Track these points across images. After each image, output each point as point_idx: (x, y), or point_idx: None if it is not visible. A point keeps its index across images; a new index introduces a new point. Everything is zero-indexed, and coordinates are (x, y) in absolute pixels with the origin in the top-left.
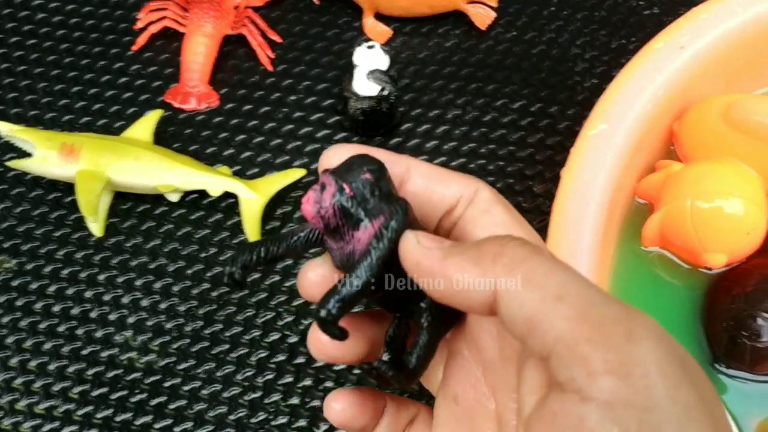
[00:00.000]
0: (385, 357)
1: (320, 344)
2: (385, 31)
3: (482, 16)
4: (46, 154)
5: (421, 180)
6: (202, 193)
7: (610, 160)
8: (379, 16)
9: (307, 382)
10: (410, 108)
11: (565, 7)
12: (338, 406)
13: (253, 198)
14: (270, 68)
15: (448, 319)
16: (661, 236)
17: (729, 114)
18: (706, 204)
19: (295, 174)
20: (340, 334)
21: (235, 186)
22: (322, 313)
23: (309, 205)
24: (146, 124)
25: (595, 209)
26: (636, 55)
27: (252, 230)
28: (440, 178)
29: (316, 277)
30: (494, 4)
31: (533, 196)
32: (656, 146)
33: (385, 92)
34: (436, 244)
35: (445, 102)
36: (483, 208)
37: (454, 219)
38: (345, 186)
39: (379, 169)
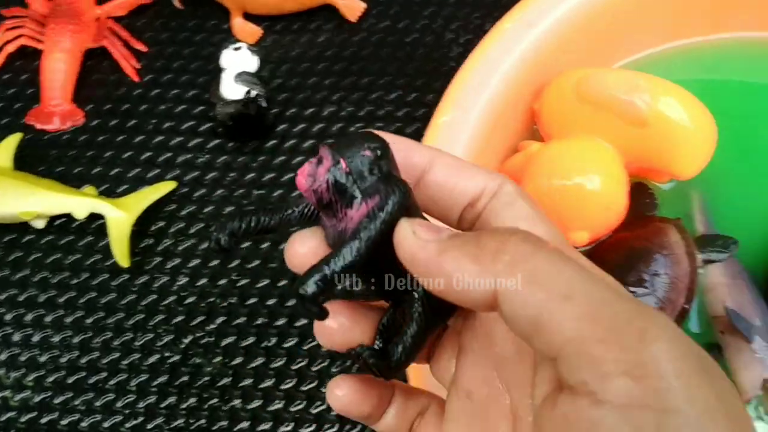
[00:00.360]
0: (376, 345)
1: (326, 331)
2: (254, 31)
3: (352, 8)
4: None
5: (444, 170)
6: (71, 217)
7: (462, 146)
8: (249, 16)
9: (192, 401)
10: (285, 108)
11: None
12: (341, 392)
13: (120, 216)
14: (136, 79)
15: (445, 310)
16: None
17: (580, 89)
18: (563, 182)
19: (165, 187)
20: (319, 313)
21: (100, 206)
22: (301, 290)
23: (303, 177)
24: (5, 150)
25: None
26: (484, 38)
27: (121, 250)
28: (464, 169)
29: (305, 249)
30: None
31: None
32: (517, 127)
33: (252, 94)
34: (433, 236)
35: (320, 99)
36: (506, 201)
37: (476, 211)
38: (342, 161)
39: (382, 148)
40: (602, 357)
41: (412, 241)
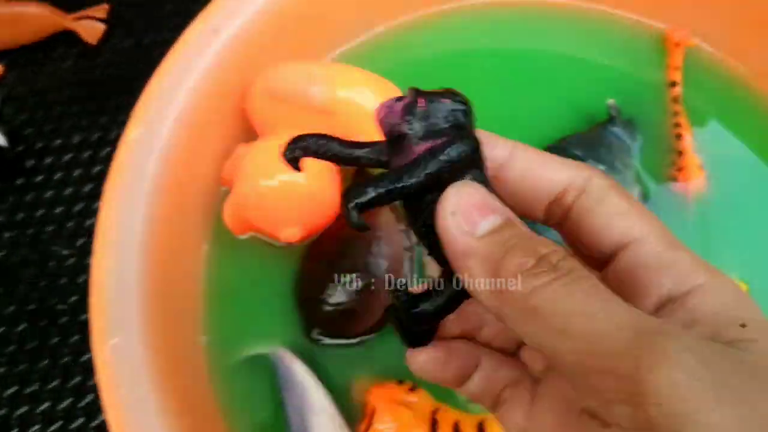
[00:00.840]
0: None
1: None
2: None
3: (91, 30)
4: None
5: (526, 163)
6: None
7: (155, 160)
8: None
9: None
10: (32, 143)
11: (179, 5)
12: (421, 358)
13: None
14: None
15: None
16: (242, 221)
17: (267, 87)
18: (267, 181)
19: None
20: (360, 225)
21: None
22: (351, 201)
23: (380, 108)
24: None
25: (144, 220)
26: (171, 48)
27: None
28: (548, 162)
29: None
30: (103, 16)
31: None
32: (228, 130)
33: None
34: (468, 227)
35: (69, 128)
36: (597, 197)
37: (564, 207)
38: (421, 99)
39: (463, 103)
40: (601, 387)
41: (450, 221)
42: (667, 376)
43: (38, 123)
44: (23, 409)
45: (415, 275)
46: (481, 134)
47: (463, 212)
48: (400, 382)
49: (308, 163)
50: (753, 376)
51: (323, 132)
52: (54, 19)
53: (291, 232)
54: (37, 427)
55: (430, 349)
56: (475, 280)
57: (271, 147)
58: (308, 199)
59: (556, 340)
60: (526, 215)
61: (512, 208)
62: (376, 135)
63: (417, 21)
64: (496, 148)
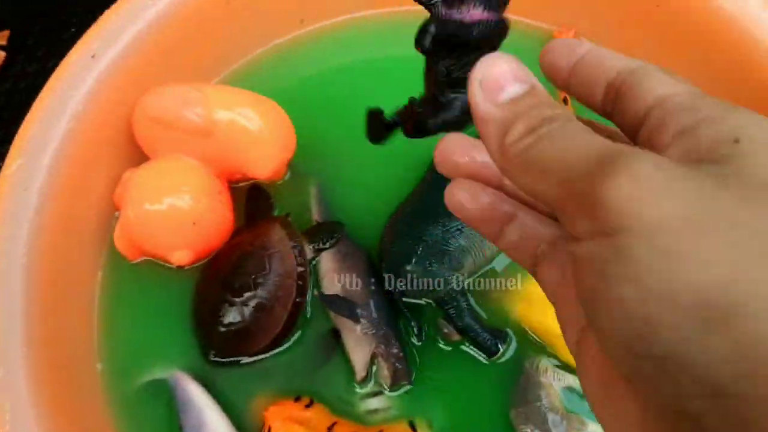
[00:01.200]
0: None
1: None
2: None
3: None
4: None
5: (592, 53)
6: None
7: (37, 190)
8: None
9: None
10: None
11: (81, 26)
12: (461, 195)
13: None
14: None
15: None
16: (133, 245)
17: (145, 111)
18: (152, 206)
19: None
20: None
21: None
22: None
23: None
24: None
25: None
26: (52, 76)
27: None
28: (608, 54)
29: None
30: (3, 42)
31: None
32: (123, 156)
33: None
34: (491, 95)
35: None
36: (644, 73)
37: (616, 89)
38: None
39: None
40: (568, 208)
41: (475, 87)
42: (618, 183)
43: None
44: None
45: (312, 290)
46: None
47: (489, 80)
48: (297, 398)
49: (193, 184)
50: (724, 186)
51: (207, 152)
52: None
53: (181, 255)
54: None
55: (465, 182)
56: (489, 142)
57: (156, 170)
58: (196, 222)
59: (541, 183)
60: (588, 103)
61: (580, 99)
62: (254, 153)
63: (301, 37)
64: (578, 48)
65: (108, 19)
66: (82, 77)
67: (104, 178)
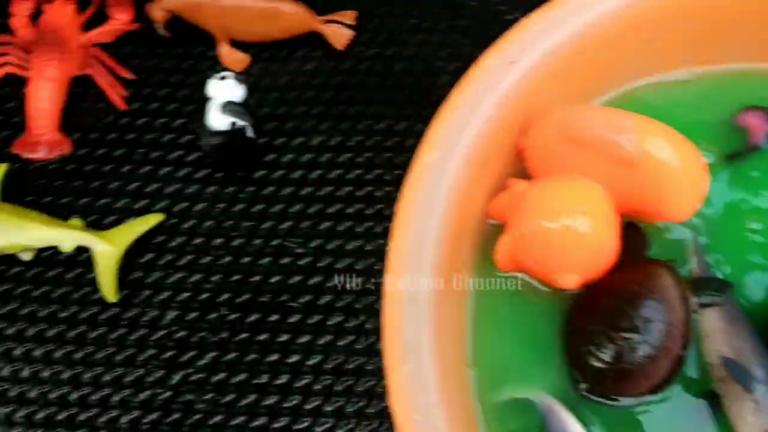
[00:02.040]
0: None
1: None
2: (241, 59)
3: (339, 35)
4: None
5: None
6: (58, 249)
7: (446, 188)
8: (235, 44)
9: None
10: (273, 138)
11: (427, 18)
12: None
13: (107, 250)
14: (123, 107)
15: None
16: (514, 259)
17: (564, 129)
18: (551, 224)
19: (152, 219)
20: None
21: (87, 239)
22: None
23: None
24: None
25: (434, 245)
26: (466, 75)
27: (108, 284)
28: None
29: None
30: (351, 22)
31: None
32: (505, 164)
33: (238, 125)
34: None
35: (309, 128)
36: None
37: None
38: None
39: None
40: None
41: None
42: None
43: (279, 119)
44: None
45: (691, 349)
46: None
47: None
48: None
49: (595, 209)
50: None
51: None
52: (306, 20)
53: (569, 279)
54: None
55: None
56: None
57: (559, 188)
58: (591, 247)
59: None
60: None
61: None
62: (676, 193)
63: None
64: None
65: (525, 28)
66: (498, 80)
67: (488, 184)
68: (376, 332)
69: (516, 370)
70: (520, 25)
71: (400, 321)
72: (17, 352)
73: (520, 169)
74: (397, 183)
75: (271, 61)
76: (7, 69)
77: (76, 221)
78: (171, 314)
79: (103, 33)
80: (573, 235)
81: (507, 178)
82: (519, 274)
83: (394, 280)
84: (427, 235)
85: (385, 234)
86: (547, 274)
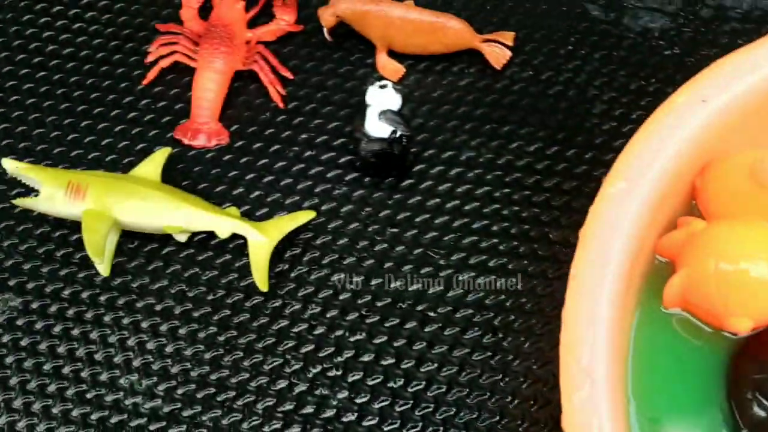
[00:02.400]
0: None
1: None
2: (398, 69)
3: (498, 55)
4: (53, 193)
5: None
6: (211, 234)
7: (629, 220)
8: (392, 53)
9: None
10: (423, 149)
11: (583, 46)
12: None
13: (261, 241)
14: (281, 105)
15: None
16: (683, 298)
17: (755, 172)
18: (730, 266)
19: (304, 216)
20: None
21: (244, 228)
22: None
23: None
24: (154, 163)
25: (615, 273)
26: (656, 111)
27: (260, 274)
28: None
29: None
30: (510, 43)
31: (549, 243)
32: (678, 202)
33: (398, 134)
34: None
35: (460, 143)
36: None
37: None
38: None
39: None
40: None
41: None
42: None
43: (430, 131)
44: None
45: None
46: None
47: None
48: None
49: None
50: None
51: None
52: (468, 37)
53: (743, 323)
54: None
55: None
56: None
57: (740, 230)
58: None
59: None
60: None
61: None
62: None
63: None
64: None
65: (720, 69)
66: (688, 118)
67: (663, 220)
68: (514, 351)
69: (674, 408)
70: (715, 65)
71: (578, 346)
72: (163, 328)
73: (689, 206)
74: (545, 206)
75: (426, 73)
76: (176, 57)
77: (232, 210)
78: (312, 309)
79: (268, 32)
80: (752, 280)
81: (678, 215)
82: (685, 313)
83: (574, 306)
84: (609, 264)
85: (529, 255)
86: (717, 316)
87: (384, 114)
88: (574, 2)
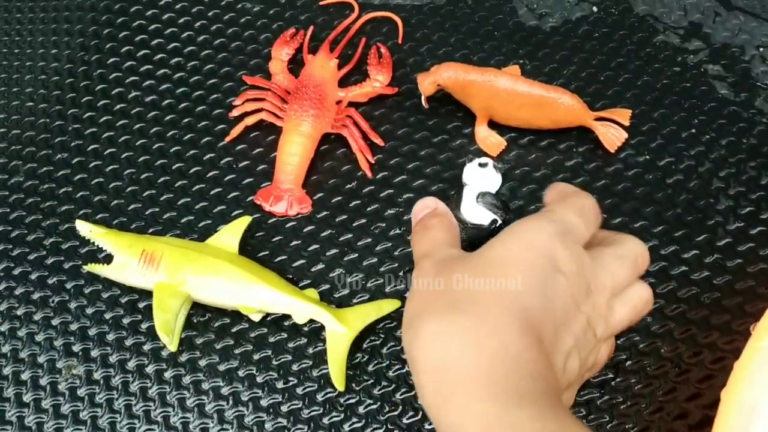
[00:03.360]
0: None
1: None
2: (499, 143)
3: (612, 136)
4: (127, 262)
5: None
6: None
7: None
8: (492, 124)
9: None
10: None
11: (708, 129)
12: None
13: (341, 332)
14: (369, 175)
15: None
16: None
17: None
18: None
19: (389, 306)
20: None
21: (323, 315)
22: None
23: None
24: (233, 232)
25: None
26: None
27: (337, 367)
28: None
29: None
30: (626, 122)
31: (659, 359)
32: None
33: (498, 223)
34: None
35: None
36: None
37: None
38: None
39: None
40: None
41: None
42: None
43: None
44: None
45: None
46: None
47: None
48: None
49: None
50: None
51: None
52: (580, 115)
53: None
54: None
55: None
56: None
57: None
58: None
59: None
60: None
61: None
62: None
63: None
64: None
65: None
66: None
67: None
68: None
69: None
70: None
71: None
72: (228, 414)
73: None
74: (658, 315)
75: (528, 149)
76: (262, 115)
77: (311, 292)
78: (390, 411)
79: (361, 93)
80: None
81: None
82: None
83: None
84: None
85: (639, 372)
86: None
87: (483, 197)
88: (700, 78)
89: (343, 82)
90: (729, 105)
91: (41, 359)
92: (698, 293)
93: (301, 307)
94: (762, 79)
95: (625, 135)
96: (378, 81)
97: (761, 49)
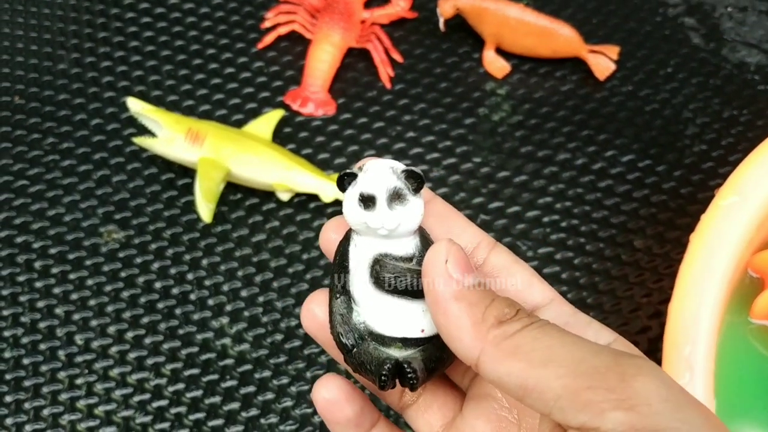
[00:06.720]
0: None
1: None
2: (503, 67)
3: (602, 67)
4: (173, 137)
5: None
6: (311, 196)
7: (737, 232)
8: (499, 51)
9: None
10: (521, 144)
11: (682, 70)
12: (327, 394)
13: None
14: (389, 86)
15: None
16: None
17: None
18: None
19: None
20: None
21: None
22: None
23: None
24: (268, 122)
25: (720, 278)
26: None
27: None
28: (455, 221)
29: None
30: (615, 57)
31: (633, 251)
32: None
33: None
34: (460, 275)
35: (556, 144)
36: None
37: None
38: None
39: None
40: (594, 399)
41: (441, 267)
42: (649, 382)
43: (529, 129)
44: None
45: None
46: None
47: (457, 261)
48: None
49: None
50: (683, 389)
51: None
52: (576, 46)
53: None
54: None
55: (337, 383)
56: (459, 321)
57: None
58: None
59: (542, 370)
60: None
61: None
62: None
63: None
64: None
65: None
66: None
67: (759, 239)
68: None
69: (752, 411)
70: None
71: (682, 339)
72: (257, 279)
73: None
74: (632, 215)
75: (529, 74)
76: (293, 27)
77: (335, 176)
78: None
79: (384, 14)
80: None
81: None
82: (764, 323)
83: (680, 303)
84: (715, 271)
85: (613, 258)
86: None
87: (381, 267)
88: (678, 28)
89: (369, 5)
90: (700, 52)
91: (84, 224)
92: (666, 200)
93: (329, 187)
94: (728, 33)
95: (614, 67)
96: (400, 5)
97: (728, 8)
